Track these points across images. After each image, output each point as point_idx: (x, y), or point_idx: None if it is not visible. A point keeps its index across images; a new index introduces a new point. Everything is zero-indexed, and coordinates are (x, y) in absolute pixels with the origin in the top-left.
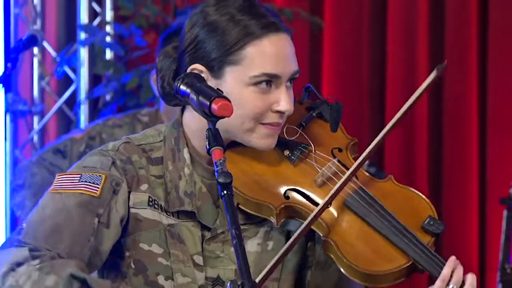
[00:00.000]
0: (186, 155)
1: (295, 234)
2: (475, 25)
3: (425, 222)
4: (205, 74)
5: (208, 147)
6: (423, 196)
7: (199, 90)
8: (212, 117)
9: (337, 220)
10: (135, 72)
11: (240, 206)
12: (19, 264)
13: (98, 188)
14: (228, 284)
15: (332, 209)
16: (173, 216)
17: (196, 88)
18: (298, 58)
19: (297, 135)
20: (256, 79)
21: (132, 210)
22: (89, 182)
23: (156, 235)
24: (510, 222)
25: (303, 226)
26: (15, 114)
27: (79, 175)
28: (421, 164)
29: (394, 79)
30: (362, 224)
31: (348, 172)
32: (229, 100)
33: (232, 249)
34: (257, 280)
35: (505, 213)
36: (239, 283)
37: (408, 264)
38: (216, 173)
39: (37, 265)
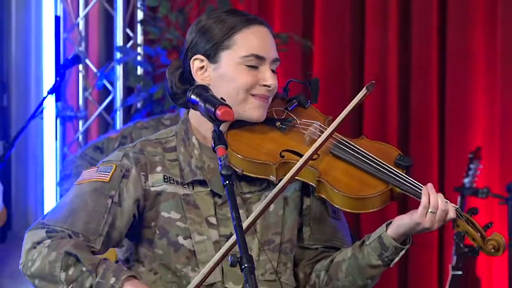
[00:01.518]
0: (194, 141)
1: (290, 173)
2: (435, 47)
3: (396, 159)
4: (205, 62)
5: (213, 145)
6: (392, 145)
7: (206, 99)
8: (216, 121)
9: (325, 165)
10: (161, 85)
11: (245, 173)
12: (38, 243)
13: (108, 175)
14: (229, 257)
15: (320, 158)
16: (188, 188)
17: (204, 97)
18: (292, 75)
19: (284, 115)
20: (246, 58)
21: (152, 189)
22: (102, 171)
23: (173, 203)
24: (463, 207)
25: (297, 165)
26: (63, 118)
27: (97, 168)
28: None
29: (371, 94)
30: (346, 165)
31: (329, 129)
32: (230, 107)
33: (241, 211)
34: (250, 220)
35: (459, 199)
36: (238, 256)
37: (388, 188)
38: (220, 167)
39: (47, 244)
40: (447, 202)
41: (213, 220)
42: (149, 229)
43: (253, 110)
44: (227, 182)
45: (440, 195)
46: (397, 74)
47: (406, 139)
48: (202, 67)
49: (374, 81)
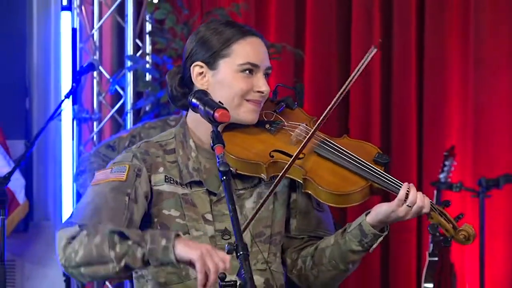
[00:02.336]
0: (192, 143)
1: (281, 173)
2: (414, 54)
3: (375, 156)
4: (204, 68)
5: (212, 144)
6: (371, 143)
7: (205, 102)
8: (214, 122)
9: (311, 164)
10: (167, 90)
11: (238, 171)
12: (73, 238)
13: (124, 174)
14: (226, 245)
15: (306, 157)
16: (186, 187)
17: (203, 101)
18: (285, 81)
19: (273, 117)
20: (242, 66)
21: (154, 188)
22: (117, 171)
23: (173, 202)
24: (438, 199)
25: (286, 167)
26: (79, 120)
27: (111, 169)
28: None
29: (354, 92)
30: (329, 163)
31: (312, 130)
32: (227, 110)
33: (236, 205)
34: (246, 223)
35: (435, 192)
36: (234, 244)
37: (368, 184)
38: (218, 163)
39: (85, 233)
40: (424, 197)
41: (209, 216)
42: (152, 225)
43: (247, 114)
44: (224, 177)
45: (420, 193)
46: (380, 79)
47: (387, 138)
48: (201, 73)
49: (380, 40)
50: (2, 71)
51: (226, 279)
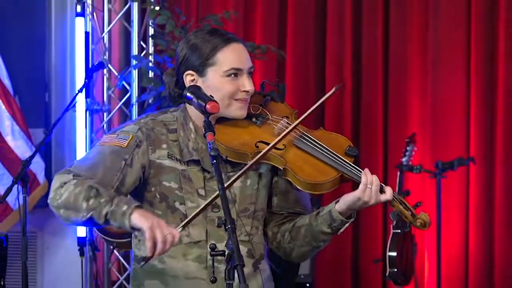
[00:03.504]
0: (191, 126)
1: (258, 156)
2: (380, 55)
3: (347, 149)
4: (195, 76)
5: (204, 132)
6: (344, 136)
7: (198, 96)
8: (206, 113)
9: (290, 155)
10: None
11: (229, 158)
12: (65, 183)
13: (126, 142)
14: (216, 218)
15: (287, 149)
16: (185, 165)
17: (197, 95)
18: (269, 77)
19: (259, 110)
20: (227, 72)
21: (157, 161)
22: (121, 138)
23: (173, 176)
24: (401, 180)
25: (265, 149)
26: (91, 111)
27: (116, 134)
28: None
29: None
30: (306, 155)
31: (290, 127)
32: (217, 102)
33: (224, 186)
34: (227, 184)
35: (398, 174)
36: (223, 219)
37: (338, 175)
38: (209, 149)
39: (74, 182)
40: (384, 186)
41: (202, 191)
42: (150, 193)
43: (237, 111)
44: (214, 161)
45: (375, 176)
46: (351, 77)
47: (357, 128)
48: (193, 80)
49: (342, 84)
50: (25, 69)
51: (216, 249)
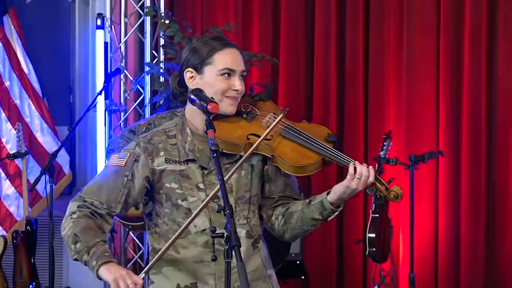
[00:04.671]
0: (188, 130)
1: (252, 147)
2: (361, 60)
3: (326, 136)
4: (194, 73)
5: (206, 129)
6: (323, 126)
7: (201, 98)
8: (207, 113)
9: (277, 143)
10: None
11: (224, 151)
12: (71, 214)
13: (124, 160)
14: (216, 205)
15: (274, 139)
16: (183, 164)
17: (199, 96)
18: (265, 82)
19: (249, 108)
20: (221, 71)
21: (157, 168)
22: (121, 158)
23: (172, 177)
24: (379, 172)
25: (257, 142)
26: (110, 111)
27: (119, 154)
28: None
29: (317, 90)
30: (291, 143)
31: (276, 120)
32: (217, 103)
33: (223, 177)
34: (226, 177)
35: (376, 165)
36: (222, 205)
37: (320, 158)
38: (210, 144)
39: (74, 218)
40: (369, 168)
41: (201, 185)
42: (158, 195)
43: (227, 107)
44: (214, 155)
45: (364, 165)
46: (336, 80)
47: (341, 125)
48: (192, 77)
49: (287, 109)
50: (52, 75)
51: (216, 231)
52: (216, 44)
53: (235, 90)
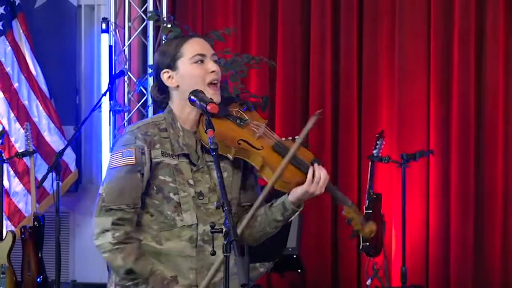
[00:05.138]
0: (178, 125)
1: (295, 146)
2: (355, 63)
3: (312, 160)
4: (170, 72)
5: (205, 128)
6: (308, 150)
7: (200, 99)
8: (207, 113)
9: (268, 156)
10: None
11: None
12: (106, 230)
13: (133, 158)
14: (215, 202)
15: (265, 151)
16: (177, 158)
17: (199, 97)
18: (262, 83)
19: (240, 114)
20: (193, 58)
21: (154, 160)
22: (127, 156)
23: (167, 170)
24: (372, 169)
25: (295, 145)
26: (114, 111)
27: (121, 153)
28: (327, 143)
29: (313, 92)
30: (278, 156)
31: (297, 142)
32: (215, 103)
33: (207, 175)
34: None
35: (370, 163)
36: (220, 202)
37: (304, 178)
38: (209, 143)
39: (113, 243)
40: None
41: (191, 181)
42: (149, 186)
43: (212, 96)
44: (214, 153)
45: (323, 170)
46: (331, 81)
47: (336, 125)
48: (169, 76)
49: (321, 111)
50: (59, 77)
51: (215, 227)
52: (180, 39)
53: (212, 71)
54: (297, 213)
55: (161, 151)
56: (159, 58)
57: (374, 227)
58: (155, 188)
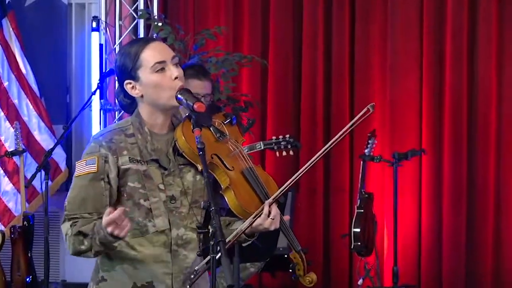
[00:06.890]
0: (146, 130)
1: (309, 165)
2: (347, 62)
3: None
4: (133, 82)
5: (192, 127)
6: (274, 183)
7: (187, 98)
8: (194, 112)
9: (236, 179)
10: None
11: (184, 154)
12: (66, 234)
13: (95, 166)
14: (202, 202)
15: (235, 173)
16: (146, 164)
17: (185, 96)
18: (255, 81)
19: (221, 126)
20: (154, 67)
21: (122, 167)
22: (90, 164)
23: (136, 177)
24: (364, 168)
25: (306, 167)
26: (105, 110)
27: (85, 161)
28: (319, 141)
29: (305, 92)
30: (247, 185)
31: (306, 166)
32: (202, 102)
33: (178, 179)
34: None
35: (361, 163)
36: (208, 202)
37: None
38: (197, 142)
39: (69, 235)
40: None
41: (161, 186)
42: (119, 193)
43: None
44: (201, 152)
45: (274, 207)
46: (323, 81)
47: (328, 123)
48: (133, 87)
49: (373, 103)
50: (50, 75)
51: (201, 228)
52: (136, 46)
53: (176, 78)
54: (250, 242)
55: (129, 157)
56: (119, 69)
57: (314, 277)
58: (125, 195)
